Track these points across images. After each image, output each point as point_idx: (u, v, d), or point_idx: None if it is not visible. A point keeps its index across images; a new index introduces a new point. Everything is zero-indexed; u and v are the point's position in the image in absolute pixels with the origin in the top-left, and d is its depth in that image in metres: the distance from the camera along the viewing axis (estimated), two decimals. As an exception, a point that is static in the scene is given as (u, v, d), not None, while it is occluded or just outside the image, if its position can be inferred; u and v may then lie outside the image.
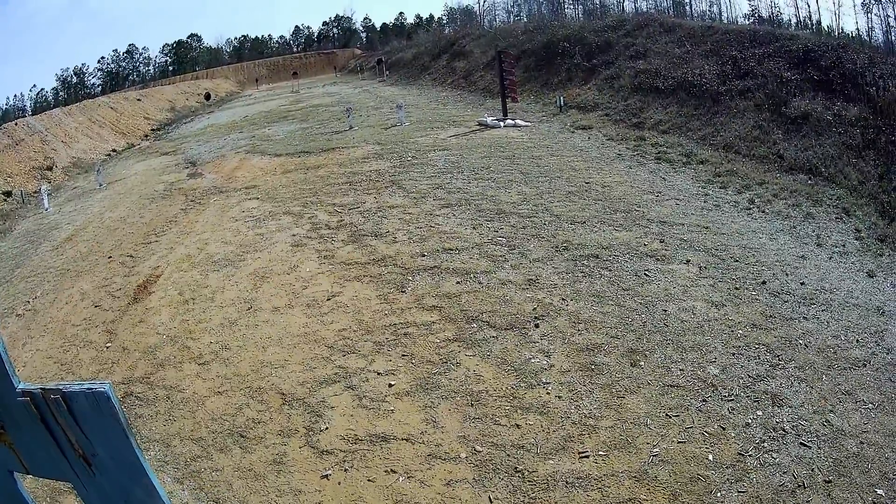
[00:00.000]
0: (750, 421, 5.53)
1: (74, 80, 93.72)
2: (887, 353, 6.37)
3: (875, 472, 4.92)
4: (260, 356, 7.41)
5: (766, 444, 5.24)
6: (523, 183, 12.93)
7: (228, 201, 14.48)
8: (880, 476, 4.88)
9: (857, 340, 6.66)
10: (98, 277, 11.18)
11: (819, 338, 6.74)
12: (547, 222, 10.61)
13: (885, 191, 11.24)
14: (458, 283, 8.56)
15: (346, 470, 5.43)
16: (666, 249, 9.31)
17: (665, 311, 7.50)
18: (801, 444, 5.22)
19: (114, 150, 31.61)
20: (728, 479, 4.91)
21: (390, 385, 6.44)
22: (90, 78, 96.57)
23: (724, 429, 5.47)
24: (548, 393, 6.14)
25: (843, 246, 9.60)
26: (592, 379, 6.30)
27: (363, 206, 12.38)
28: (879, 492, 4.74)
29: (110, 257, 12.13)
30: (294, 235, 11.25)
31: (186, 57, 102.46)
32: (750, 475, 4.93)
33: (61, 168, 26.56)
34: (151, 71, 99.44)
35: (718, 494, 4.77)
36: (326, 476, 5.40)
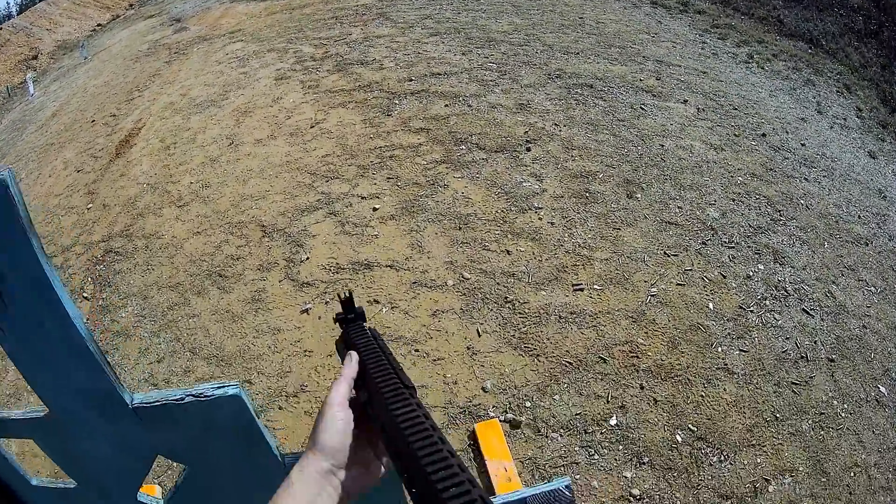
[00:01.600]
0: (751, 274, 5.21)
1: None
2: (889, 240, 6.04)
3: (878, 365, 4.68)
4: (241, 189, 6.89)
5: (767, 303, 4.94)
6: (514, 14, 12.02)
7: (212, 47, 13.41)
8: (882, 371, 4.65)
9: (860, 217, 6.30)
10: (81, 143, 10.37)
11: (821, 203, 6.37)
12: (539, 51, 9.88)
13: (888, 81, 10.69)
14: (446, 105, 7.97)
15: (326, 303, 5.07)
16: (662, 87, 8.73)
17: (662, 145, 7.04)
18: (803, 310, 4.93)
19: (99, 25, 29.72)
20: (729, 334, 4.62)
21: (374, 209, 5.99)
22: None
23: (724, 277, 5.15)
24: (540, 218, 5.73)
25: (845, 120, 9.17)
26: (587, 207, 5.89)
27: (349, 37, 11.48)
28: (882, 389, 4.51)
29: (93, 121, 11.25)
30: (278, 70, 10.42)
31: None
32: (752, 333, 4.64)
33: (46, 54, 25.06)
34: None
35: (719, 349, 4.49)
36: (306, 310, 5.04)
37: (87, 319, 5.40)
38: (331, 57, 10.46)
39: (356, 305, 1.19)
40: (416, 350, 4.51)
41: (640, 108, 7.97)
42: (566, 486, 1.98)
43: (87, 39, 23.95)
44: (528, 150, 6.83)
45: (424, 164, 6.69)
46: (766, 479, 3.71)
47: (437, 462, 0.70)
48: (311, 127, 7.87)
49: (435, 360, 4.43)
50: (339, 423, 0.92)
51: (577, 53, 9.81)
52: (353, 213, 5.97)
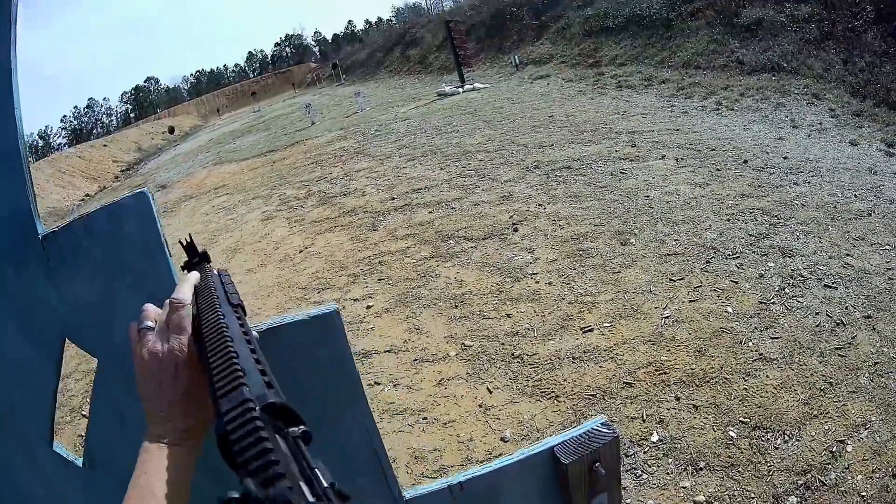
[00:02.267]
0: (763, 272, 5.09)
1: (40, 143, 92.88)
2: (890, 204, 5.95)
3: None
4: (235, 312, 6.77)
5: (787, 291, 4.79)
6: (487, 129, 12.45)
7: (199, 203, 13.80)
8: (924, 310, 4.45)
9: (856, 195, 6.24)
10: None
11: (815, 197, 6.32)
12: (514, 152, 10.13)
13: (852, 73, 10.85)
14: (430, 212, 8.05)
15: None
16: (639, 152, 8.89)
17: (648, 196, 7.08)
18: (825, 286, 4.77)
19: (87, 195, 30.70)
20: (756, 328, 4.43)
21: (368, 307, 5.88)
22: (55, 138, 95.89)
23: (736, 283, 5.01)
24: (536, 282, 5.61)
25: (820, 124, 9.23)
26: (582, 262, 5.80)
27: (330, 176, 11.82)
28: (928, 324, 4.30)
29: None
30: (264, 212, 10.65)
31: (146, 101, 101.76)
32: (779, 321, 4.46)
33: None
34: (114, 121, 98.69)
35: (749, 344, 4.28)
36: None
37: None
38: (314, 194, 10.68)
39: (199, 249, 1.20)
40: (425, 418, 4.27)
41: (620, 173, 8.04)
42: (603, 424, 1.75)
43: (77, 207, 24.36)
44: (516, 230, 6.82)
45: (414, 262, 6.64)
46: (841, 441, 3.39)
47: (221, 365, 0.69)
48: (300, 252, 7.90)
49: (445, 424, 4.18)
50: (142, 369, 0.87)
51: (552, 146, 10.04)
52: (347, 313, 5.85)
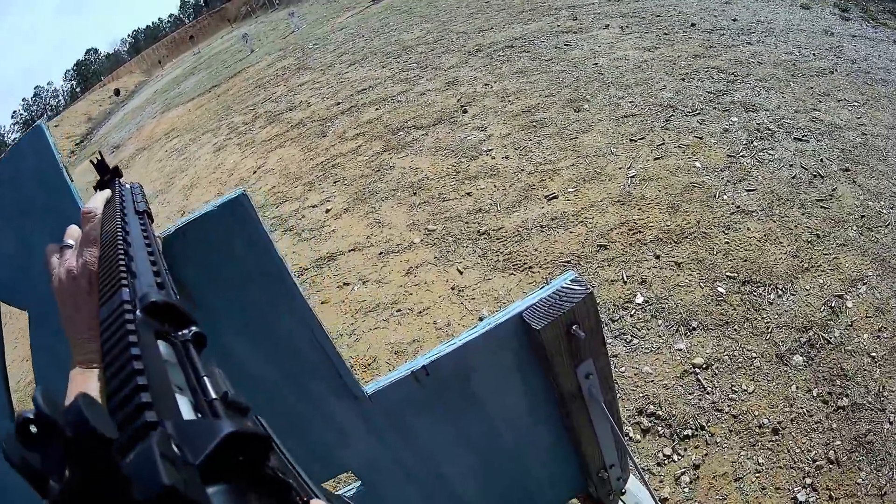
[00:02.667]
0: (727, 127, 4.75)
1: None
2: (852, 63, 5.61)
3: (894, 160, 4.19)
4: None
5: (756, 144, 4.47)
6: (424, 23, 11.89)
7: (151, 152, 13.10)
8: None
9: (815, 54, 5.88)
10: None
11: (772, 56, 5.95)
12: (454, 40, 9.59)
13: None
14: (376, 109, 7.55)
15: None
16: (581, 25, 8.41)
17: (596, 64, 6.66)
18: (795, 139, 4.46)
19: None
20: (728, 181, 4.13)
21: (327, 211, 5.45)
22: (10, 135, 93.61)
23: (700, 138, 4.67)
24: (493, 158, 5.21)
25: None
26: (537, 133, 5.40)
27: (274, 95, 11.17)
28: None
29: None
30: (214, 144, 10.06)
31: (89, 72, 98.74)
32: (752, 173, 4.16)
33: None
34: (62, 101, 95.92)
35: (724, 197, 3.97)
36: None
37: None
38: (260, 116, 10.12)
39: (110, 166, 1.11)
40: (399, 310, 3.92)
41: (565, 45, 7.59)
42: (573, 280, 1.42)
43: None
44: (465, 111, 6.38)
45: (367, 159, 6.19)
46: (840, 296, 3.12)
47: (106, 271, 0.65)
48: (254, 173, 7.41)
49: (420, 313, 3.85)
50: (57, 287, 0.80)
51: (491, 29, 9.53)
52: (307, 221, 5.45)
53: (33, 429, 0.31)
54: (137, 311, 0.52)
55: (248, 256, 1.18)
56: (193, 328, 0.55)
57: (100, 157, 1.12)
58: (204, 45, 53.15)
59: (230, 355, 1.27)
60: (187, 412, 0.42)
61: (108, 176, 1.11)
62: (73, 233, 0.87)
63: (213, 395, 0.44)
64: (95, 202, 0.89)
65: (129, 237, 0.75)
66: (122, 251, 0.67)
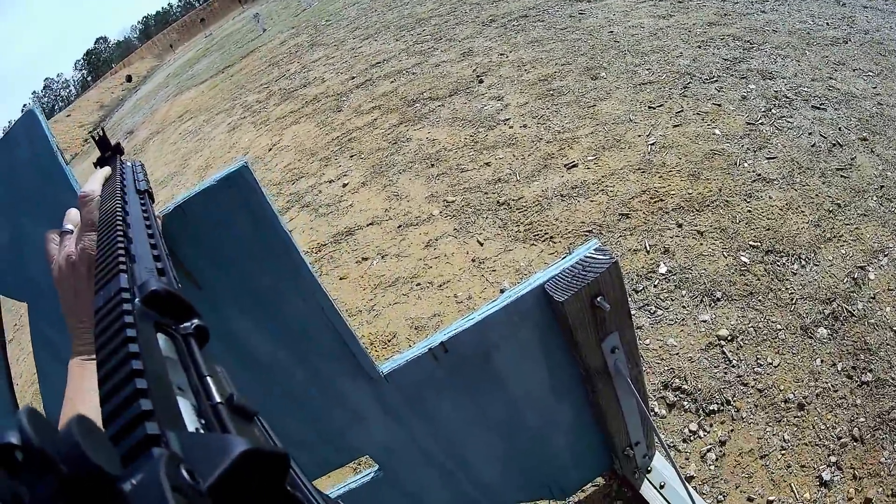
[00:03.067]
0: (746, 94, 4.60)
1: None
2: (865, 34, 5.42)
3: None
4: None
5: (774, 112, 4.32)
6: (437, -5, 11.69)
7: (166, 135, 13.05)
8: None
9: (828, 24, 5.70)
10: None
11: (786, 24, 5.77)
12: (468, 11, 9.44)
13: None
14: (391, 82, 7.47)
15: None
16: (595, -7, 8.21)
17: (611, 32, 6.51)
18: (813, 107, 4.31)
19: None
20: (749, 148, 4.00)
21: (344, 185, 5.40)
22: None
23: (719, 105, 4.54)
24: (510, 127, 5.13)
25: None
26: (554, 101, 5.29)
27: (288, 73, 11.11)
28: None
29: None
30: (229, 124, 10.02)
31: (100, 61, 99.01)
32: (772, 141, 4.02)
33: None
34: (73, 91, 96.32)
35: (745, 165, 3.85)
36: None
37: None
38: (275, 94, 10.06)
39: (111, 143, 1.07)
40: (418, 284, 3.88)
41: (579, 14, 7.43)
42: (597, 249, 1.36)
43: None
44: (481, 82, 6.29)
45: (383, 132, 6.13)
46: (862, 268, 3.02)
47: (103, 255, 0.59)
48: (269, 150, 7.36)
49: (441, 286, 3.80)
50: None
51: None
52: (324, 197, 5.40)
53: (19, 456, 0.25)
54: (136, 301, 0.48)
55: (252, 232, 1.14)
56: (196, 321, 0.50)
57: (101, 133, 1.09)
58: (215, 27, 52.98)
59: (236, 337, 1.24)
60: (189, 418, 0.38)
61: (108, 153, 1.08)
62: (72, 217, 0.84)
63: (218, 399, 0.40)
64: (93, 184, 0.85)
65: (129, 218, 0.71)
66: (120, 233, 0.63)
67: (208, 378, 0.42)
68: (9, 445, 0.25)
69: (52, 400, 1.35)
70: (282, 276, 1.19)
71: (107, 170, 0.93)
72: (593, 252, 1.32)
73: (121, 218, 0.68)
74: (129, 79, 52.96)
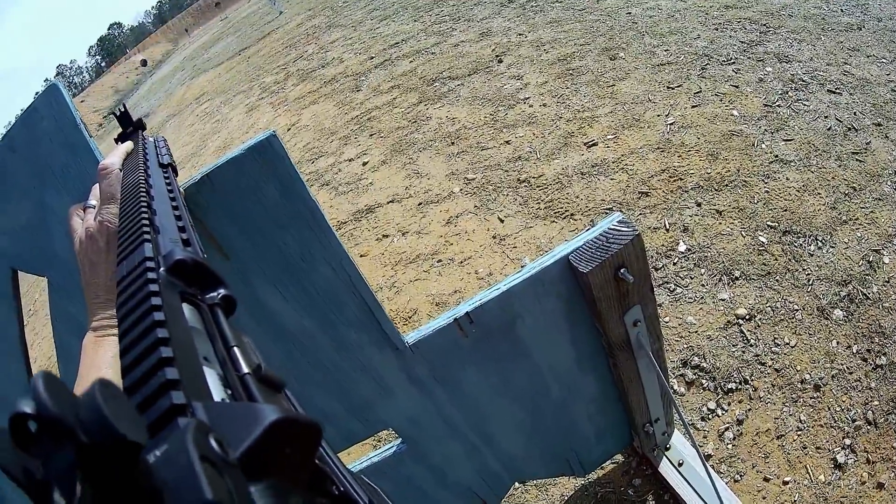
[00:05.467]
0: (763, 76, 4.57)
1: None
2: (878, 21, 5.36)
3: None
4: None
5: (790, 94, 4.30)
6: (455, -25, 11.66)
7: (182, 116, 13.15)
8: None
9: (842, 10, 5.63)
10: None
11: (801, 9, 5.71)
12: (487, -9, 9.43)
13: None
14: (410, 62, 7.47)
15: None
16: (614, -27, 8.18)
17: (629, 13, 6.47)
18: (828, 91, 4.28)
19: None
20: (766, 130, 3.99)
21: (364, 164, 5.44)
22: None
23: (736, 87, 4.51)
24: (530, 106, 5.13)
25: None
26: (574, 80, 5.29)
27: (306, 54, 11.11)
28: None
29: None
30: (247, 105, 10.05)
31: (114, 46, 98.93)
32: (789, 123, 4.01)
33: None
34: (87, 77, 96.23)
35: (763, 146, 3.85)
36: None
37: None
38: (293, 75, 10.07)
39: (133, 119, 1.07)
40: (439, 261, 3.91)
41: (597, -7, 7.42)
42: (620, 222, 1.38)
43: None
44: (501, 61, 6.28)
45: (402, 111, 6.15)
46: (877, 251, 3.03)
47: (128, 226, 0.57)
48: (288, 130, 7.40)
49: (461, 263, 3.83)
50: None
51: (523, -21, 9.33)
52: (344, 175, 5.44)
53: (32, 426, 0.23)
54: (161, 269, 0.46)
55: (281, 201, 1.14)
56: (222, 290, 0.49)
57: (123, 109, 1.08)
58: (231, 10, 52.76)
59: (264, 307, 1.24)
60: (215, 389, 0.37)
61: (130, 129, 1.07)
62: (96, 192, 0.84)
63: (245, 369, 0.39)
64: (113, 157, 0.85)
65: (152, 190, 0.70)
66: (144, 204, 0.62)
67: (235, 348, 0.41)
68: (22, 415, 0.23)
69: (71, 377, 1.36)
70: (309, 244, 1.19)
71: (128, 144, 0.93)
72: (617, 224, 1.34)
73: (144, 190, 0.67)
74: (144, 63, 53.02)
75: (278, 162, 1.11)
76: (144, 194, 0.65)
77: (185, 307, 0.44)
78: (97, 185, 0.83)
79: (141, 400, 0.31)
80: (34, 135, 1.17)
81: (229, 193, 1.10)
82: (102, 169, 0.81)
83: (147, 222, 0.57)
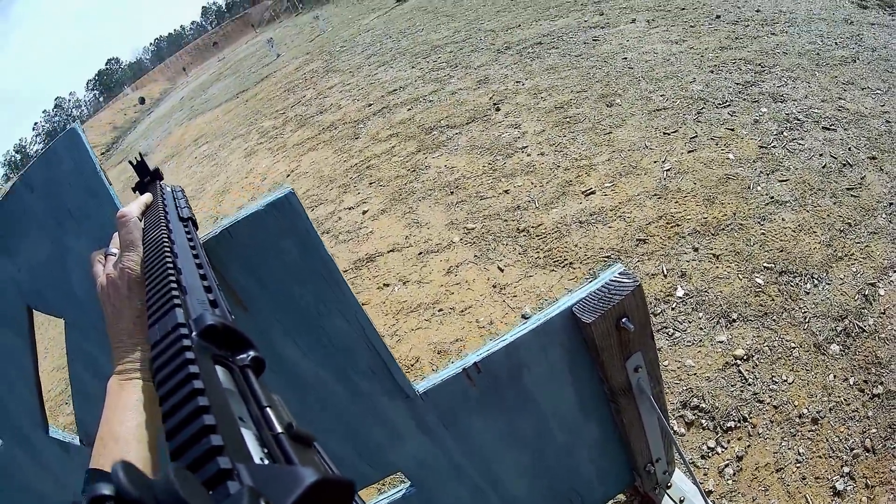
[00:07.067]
0: (757, 118, 4.71)
1: (18, 157, 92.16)
2: (872, 52, 5.53)
3: None
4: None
5: (785, 134, 4.43)
6: (451, 22, 11.90)
7: (181, 158, 13.29)
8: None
9: (836, 43, 5.80)
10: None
11: (796, 46, 5.88)
12: (483, 38, 9.61)
13: None
14: (408, 110, 7.62)
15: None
16: (608, 19, 8.37)
17: (625, 58, 6.64)
18: (823, 128, 4.41)
19: None
20: (762, 172, 4.10)
21: (364, 212, 5.53)
22: (32, 146, 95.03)
23: (732, 130, 4.64)
24: (528, 155, 5.25)
25: None
26: (571, 128, 5.42)
27: (304, 99, 11.30)
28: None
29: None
30: (245, 149, 10.19)
31: (112, 81, 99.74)
32: (784, 163, 4.12)
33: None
34: (85, 111, 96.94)
35: (758, 188, 3.95)
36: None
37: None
38: (291, 120, 10.23)
39: (150, 168, 1.09)
40: (440, 310, 3.98)
41: (593, 41, 7.58)
42: (621, 273, 1.45)
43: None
44: (498, 109, 6.42)
45: (401, 159, 6.26)
46: (872, 284, 3.11)
47: (156, 286, 0.61)
48: (287, 176, 7.51)
49: (462, 312, 3.90)
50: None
51: (519, 26, 9.55)
52: (344, 224, 5.52)
53: None
54: (194, 335, 0.48)
55: (298, 256, 1.19)
56: (251, 352, 0.51)
57: (139, 158, 1.09)
58: (228, 50, 53.47)
59: (280, 357, 1.30)
60: (253, 449, 0.38)
61: (147, 178, 1.09)
62: (116, 240, 0.87)
63: (279, 428, 0.41)
64: (132, 206, 0.89)
65: (175, 247, 0.72)
66: (170, 264, 0.64)
67: (268, 409, 0.43)
68: (101, 497, 0.27)
69: (85, 411, 1.38)
70: (326, 297, 1.24)
71: (147, 196, 0.96)
72: (618, 276, 1.41)
73: (168, 248, 0.69)
74: (142, 101, 53.42)
75: (296, 218, 1.16)
76: (169, 252, 0.68)
77: (218, 369, 0.46)
78: (117, 233, 0.86)
79: (188, 465, 0.33)
80: (53, 176, 1.20)
81: (248, 247, 1.16)
82: (121, 217, 0.84)
83: (175, 284, 0.59)
